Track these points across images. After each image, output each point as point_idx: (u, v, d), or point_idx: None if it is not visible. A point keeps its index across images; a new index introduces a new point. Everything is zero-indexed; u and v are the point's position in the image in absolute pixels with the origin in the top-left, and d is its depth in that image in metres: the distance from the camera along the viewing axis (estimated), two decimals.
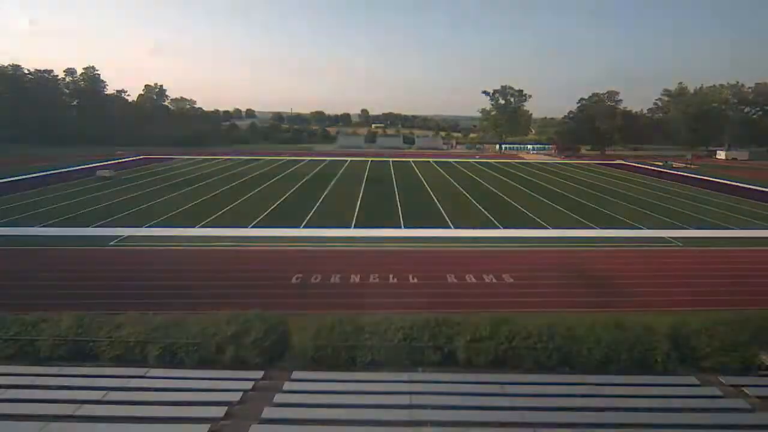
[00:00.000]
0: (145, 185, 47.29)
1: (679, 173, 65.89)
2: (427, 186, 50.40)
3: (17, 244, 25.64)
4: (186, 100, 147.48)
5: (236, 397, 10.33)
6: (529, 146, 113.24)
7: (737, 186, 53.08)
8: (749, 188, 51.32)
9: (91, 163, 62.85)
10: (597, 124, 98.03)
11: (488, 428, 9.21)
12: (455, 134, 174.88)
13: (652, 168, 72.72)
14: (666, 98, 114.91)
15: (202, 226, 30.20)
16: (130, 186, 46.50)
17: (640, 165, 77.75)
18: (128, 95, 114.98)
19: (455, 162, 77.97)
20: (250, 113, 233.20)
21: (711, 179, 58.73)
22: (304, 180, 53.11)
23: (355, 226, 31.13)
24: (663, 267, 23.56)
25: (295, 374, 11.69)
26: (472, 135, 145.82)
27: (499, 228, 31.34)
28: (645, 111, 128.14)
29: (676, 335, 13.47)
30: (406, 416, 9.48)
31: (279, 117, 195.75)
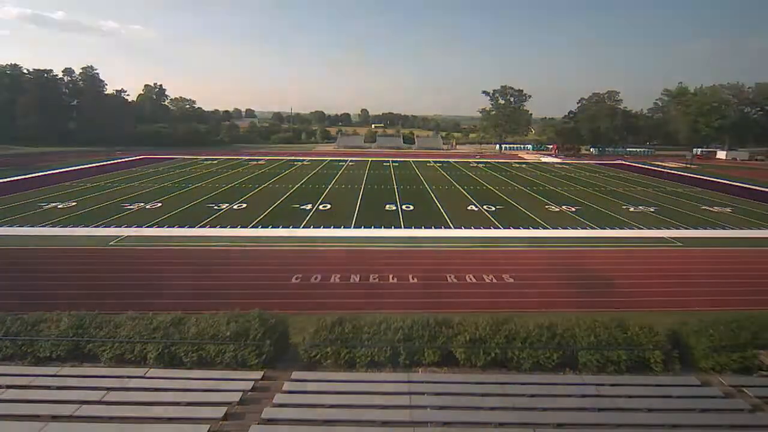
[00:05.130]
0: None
1: (679, 173, 65.88)
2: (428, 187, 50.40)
3: (15, 244, 25.64)
4: (186, 100, 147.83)
5: (236, 397, 10.33)
6: (529, 146, 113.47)
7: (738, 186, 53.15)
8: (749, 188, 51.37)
9: (89, 164, 62.89)
10: (597, 124, 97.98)
11: (488, 428, 9.21)
12: (455, 134, 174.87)
13: (651, 168, 72.75)
14: (666, 98, 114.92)
15: (201, 226, 30.19)
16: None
17: (639, 165, 77.74)
18: (128, 95, 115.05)
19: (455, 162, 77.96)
20: (249, 113, 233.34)
21: (712, 179, 58.77)
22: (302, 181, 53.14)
23: (355, 226, 31.15)
24: (663, 267, 23.56)
25: (295, 374, 11.68)
26: (472, 135, 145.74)
27: (499, 228, 31.34)
28: (645, 111, 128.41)
29: (676, 336, 13.48)
30: (407, 416, 9.48)
31: (279, 117, 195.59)
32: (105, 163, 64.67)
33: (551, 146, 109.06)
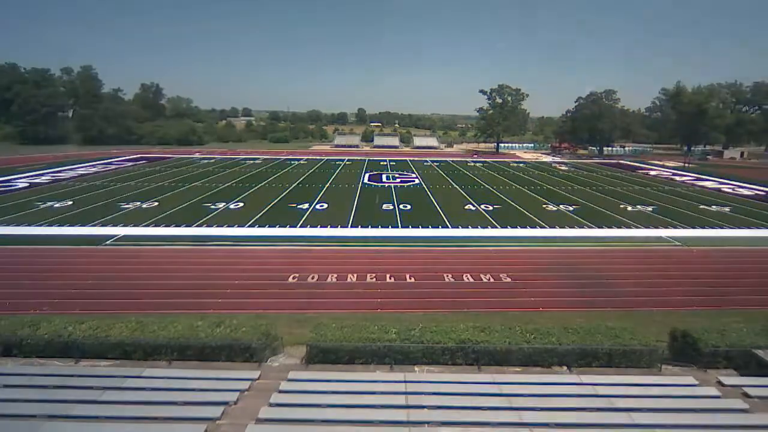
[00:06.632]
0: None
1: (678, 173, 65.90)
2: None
3: (9, 244, 25.51)
4: (183, 99, 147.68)
5: (233, 396, 10.29)
6: (526, 145, 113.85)
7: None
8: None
9: (86, 163, 62.72)
10: (595, 123, 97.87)
11: (485, 428, 9.18)
12: (452, 133, 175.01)
13: (650, 167, 72.87)
14: (663, 97, 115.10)
15: (198, 226, 30.10)
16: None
17: (636, 164, 77.83)
18: (125, 94, 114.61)
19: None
20: (246, 112, 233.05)
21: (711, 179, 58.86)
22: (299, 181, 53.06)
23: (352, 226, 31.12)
24: (663, 267, 23.56)
25: (292, 374, 11.64)
26: (469, 134, 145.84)
27: (497, 227, 31.33)
28: (643, 110, 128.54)
29: (676, 335, 13.52)
30: (403, 416, 9.45)
31: (275, 116, 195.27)
32: (101, 162, 64.42)
33: (551, 145, 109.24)
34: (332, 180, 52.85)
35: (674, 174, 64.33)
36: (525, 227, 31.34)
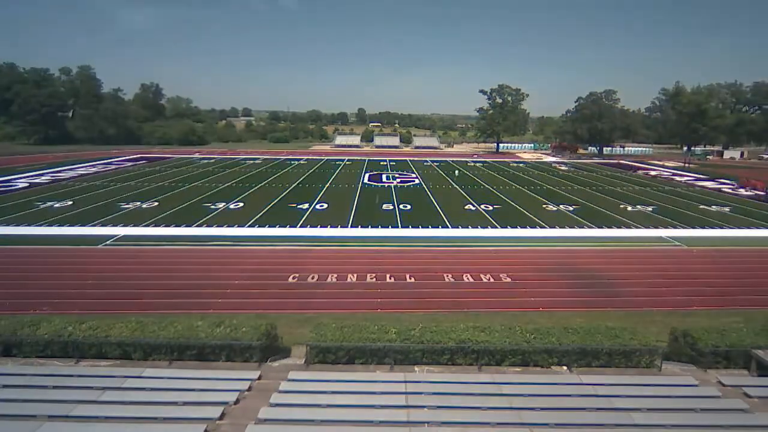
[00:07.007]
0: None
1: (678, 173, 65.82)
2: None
3: (9, 243, 25.50)
4: (183, 99, 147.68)
5: (233, 397, 10.28)
6: (526, 145, 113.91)
7: None
8: None
9: (86, 163, 62.72)
10: (594, 123, 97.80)
11: (485, 428, 9.17)
12: (452, 133, 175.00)
13: (648, 167, 72.81)
14: (663, 97, 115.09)
15: (197, 226, 30.09)
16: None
17: (636, 164, 77.79)
18: (125, 94, 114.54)
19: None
20: (246, 112, 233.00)
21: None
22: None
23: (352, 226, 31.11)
24: (663, 267, 23.54)
25: (292, 374, 11.64)
26: (469, 134, 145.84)
27: (497, 227, 31.33)
28: (642, 110, 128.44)
29: (676, 335, 13.52)
30: (403, 416, 9.45)
31: (275, 116, 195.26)
32: (101, 162, 64.41)
33: (551, 145, 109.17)
34: (332, 180, 52.85)
35: (674, 174, 64.24)
36: (525, 227, 31.34)
